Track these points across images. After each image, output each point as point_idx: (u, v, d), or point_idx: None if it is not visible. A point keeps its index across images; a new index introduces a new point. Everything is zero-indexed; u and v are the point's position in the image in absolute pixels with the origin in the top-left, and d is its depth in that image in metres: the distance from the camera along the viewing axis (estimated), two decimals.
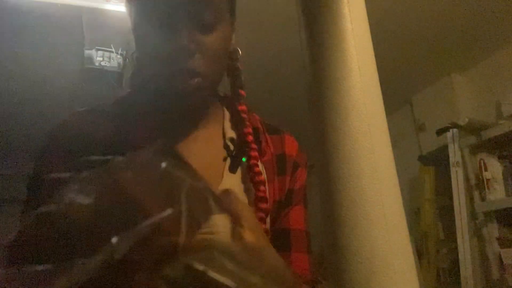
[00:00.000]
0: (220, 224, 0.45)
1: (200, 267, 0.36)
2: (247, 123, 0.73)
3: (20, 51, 2.35)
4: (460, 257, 2.28)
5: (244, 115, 0.73)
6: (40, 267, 0.33)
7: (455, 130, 2.44)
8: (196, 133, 0.72)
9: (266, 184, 0.71)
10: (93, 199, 0.36)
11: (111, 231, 0.34)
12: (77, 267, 0.32)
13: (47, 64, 2.49)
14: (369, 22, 0.48)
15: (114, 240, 0.33)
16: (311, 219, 0.77)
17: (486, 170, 2.31)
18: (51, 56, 2.41)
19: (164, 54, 0.63)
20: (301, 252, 0.72)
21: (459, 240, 2.29)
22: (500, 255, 2.23)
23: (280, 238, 0.70)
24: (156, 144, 0.66)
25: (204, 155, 0.70)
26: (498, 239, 2.27)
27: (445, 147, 2.50)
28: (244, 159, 0.70)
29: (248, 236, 0.46)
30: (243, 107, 0.74)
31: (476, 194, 2.34)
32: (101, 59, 2.40)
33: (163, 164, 0.39)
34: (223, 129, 0.75)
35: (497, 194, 2.27)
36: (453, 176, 2.42)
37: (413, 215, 2.85)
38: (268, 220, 0.70)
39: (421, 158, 2.87)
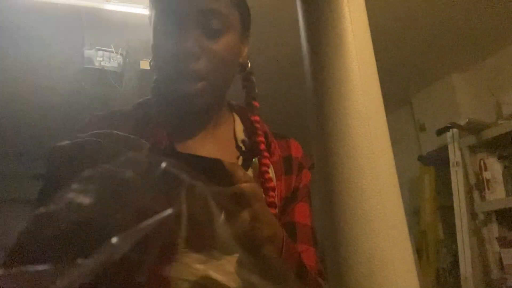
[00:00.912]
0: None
1: (201, 267, 0.36)
2: (260, 132, 0.76)
3: (20, 51, 2.35)
4: (460, 257, 2.28)
5: (258, 125, 0.77)
6: (40, 267, 0.33)
7: (455, 130, 2.44)
8: (207, 135, 0.75)
9: (275, 183, 0.74)
10: (94, 199, 0.37)
11: (111, 231, 0.34)
12: (77, 267, 0.32)
13: (47, 64, 2.49)
14: (369, 22, 0.48)
15: (114, 240, 0.33)
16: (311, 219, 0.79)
17: (486, 170, 2.31)
18: (51, 56, 2.41)
19: (171, 58, 0.67)
20: (307, 244, 0.76)
21: (459, 240, 2.29)
22: (500, 255, 2.23)
23: (287, 231, 0.71)
24: (161, 146, 0.67)
25: (216, 154, 0.73)
26: (498, 239, 2.27)
27: (445, 147, 2.50)
28: (255, 160, 0.74)
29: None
30: (256, 118, 0.78)
31: (476, 194, 2.34)
32: (101, 59, 2.41)
33: (163, 164, 0.39)
34: (234, 132, 0.79)
35: (497, 194, 2.27)
36: (453, 176, 2.42)
37: (413, 215, 2.85)
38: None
39: (421, 158, 2.87)
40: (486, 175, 2.30)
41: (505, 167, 2.29)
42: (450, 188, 2.42)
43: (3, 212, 3.26)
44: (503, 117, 2.37)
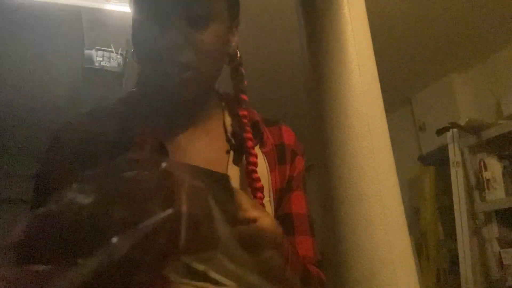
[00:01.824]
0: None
1: (201, 267, 0.36)
2: (247, 128, 0.73)
3: (20, 51, 2.35)
4: (460, 257, 2.28)
5: (245, 120, 0.74)
6: (40, 267, 0.33)
7: (455, 130, 2.44)
8: (197, 127, 0.73)
9: (269, 174, 0.73)
10: (94, 199, 0.37)
11: (111, 231, 0.34)
12: (78, 267, 0.32)
13: (47, 64, 2.49)
14: (369, 22, 0.48)
15: (114, 240, 0.33)
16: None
17: (486, 170, 2.31)
18: (51, 56, 2.41)
19: (154, 48, 0.64)
20: (305, 235, 0.75)
21: (459, 240, 2.29)
22: (500, 255, 2.23)
23: (284, 223, 0.71)
24: (154, 143, 0.67)
25: (207, 149, 0.72)
26: (498, 239, 2.27)
27: (445, 147, 2.50)
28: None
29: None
30: (244, 112, 0.75)
31: (476, 194, 2.34)
32: (101, 59, 2.40)
33: (163, 164, 0.39)
34: (223, 123, 0.76)
35: (497, 194, 2.27)
36: (453, 176, 2.42)
37: (413, 215, 2.85)
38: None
39: (421, 158, 2.87)
40: (486, 175, 2.30)
41: (505, 167, 2.29)
42: (450, 188, 2.42)
43: (3, 212, 3.26)
44: (503, 117, 2.37)
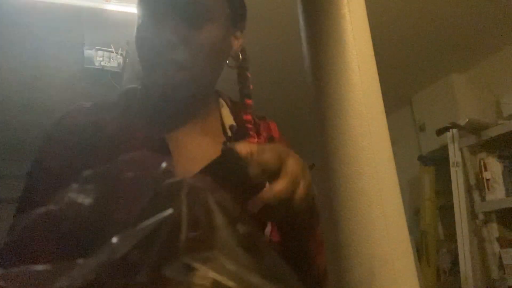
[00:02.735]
0: None
1: (200, 267, 0.36)
2: (251, 133, 0.74)
3: (20, 51, 2.35)
4: (460, 257, 2.28)
5: (250, 125, 0.74)
6: (39, 268, 0.33)
7: (455, 130, 2.44)
8: (196, 125, 0.72)
9: None
10: (94, 199, 0.37)
11: (111, 231, 0.34)
12: (77, 267, 0.32)
13: (47, 64, 2.49)
14: (369, 22, 0.48)
15: (114, 240, 0.33)
16: None
17: (486, 170, 2.31)
18: (51, 56, 2.41)
19: (151, 47, 0.65)
20: None
21: (459, 240, 2.29)
22: (500, 255, 2.23)
23: None
24: (155, 138, 0.67)
25: (206, 146, 0.71)
26: (498, 239, 2.27)
27: (445, 147, 2.50)
28: None
29: None
30: (249, 117, 0.75)
31: (476, 194, 2.34)
32: (101, 59, 2.41)
33: (163, 164, 0.39)
34: (221, 118, 0.76)
35: (497, 194, 2.27)
36: (453, 176, 2.42)
37: (413, 215, 2.85)
38: None
39: (421, 158, 2.87)
40: (486, 175, 2.30)
41: (505, 167, 2.29)
42: (450, 188, 2.42)
43: (3, 212, 3.26)
44: (503, 117, 2.37)
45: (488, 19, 2.23)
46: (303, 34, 0.50)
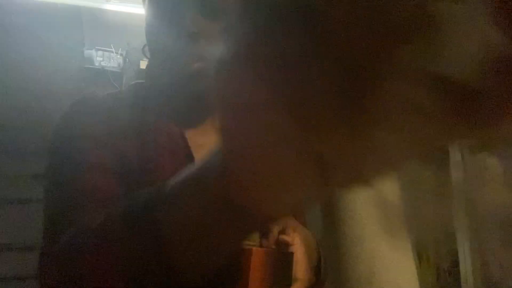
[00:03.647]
0: None
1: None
2: None
3: (20, 51, 2.35)
4: (460, 257, 2.27)
5: None
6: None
7: None
8: (209, 124, 0.70)
9: None
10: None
11: None
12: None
13: (47, 64, 2.49)
14: None
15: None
16: (311, 220, 0.79)
17: (486, 170, 2.31)
18: (51, 56, 2.41)
19: (167, 39, 0.64)
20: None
21: (459, 240, 2.29)
22: (500, 255, 2.23)
23: None
24: (173, 130, 0.65)
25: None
26: (498, 239, 2.26)
27: (445, 147, 2.50)
28: None
29: None
30: None
31: (476, 194, 2.33)
32: (101, 59, 2.41)
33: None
34: None
35: (497, 194, 2.26)
36: (453, 176, 2.42)
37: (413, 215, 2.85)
38: None
39: None
40: (486, 175, 2.30)
41: (505, 167, 2.29)
42: (450, 188, 2.42)
43: (3, 212, 3.25)
44: None
45: None
46: None
